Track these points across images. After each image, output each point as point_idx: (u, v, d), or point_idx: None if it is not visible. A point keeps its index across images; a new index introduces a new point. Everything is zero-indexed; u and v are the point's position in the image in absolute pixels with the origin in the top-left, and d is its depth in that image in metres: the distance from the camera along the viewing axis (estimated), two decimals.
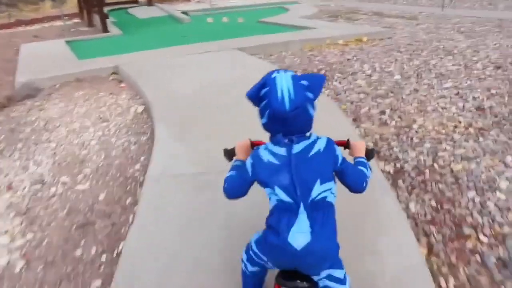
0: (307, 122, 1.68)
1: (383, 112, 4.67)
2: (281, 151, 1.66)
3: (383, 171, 3.43)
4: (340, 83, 5.77)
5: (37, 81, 6.16)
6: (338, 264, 1.75)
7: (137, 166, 3.83)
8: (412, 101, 4.95)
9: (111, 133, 4.51)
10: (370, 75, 6.07)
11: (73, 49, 8.68)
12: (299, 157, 1.65)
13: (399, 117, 4.52)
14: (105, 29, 10.96)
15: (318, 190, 1.64)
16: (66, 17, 16.61)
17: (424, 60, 6.77)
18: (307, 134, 1.71)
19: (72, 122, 4.85)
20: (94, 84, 6.13)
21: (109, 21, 12.24)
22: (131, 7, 15.10)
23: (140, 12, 13.83)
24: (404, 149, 3.82)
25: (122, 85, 5.99)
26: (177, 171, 3.38)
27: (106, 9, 14.40)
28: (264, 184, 1.70)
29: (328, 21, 11.27)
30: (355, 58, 7.02)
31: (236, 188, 1.82)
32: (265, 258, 1.75)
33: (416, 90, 5.34)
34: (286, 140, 1.65)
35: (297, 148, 1.66)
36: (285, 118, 1.60)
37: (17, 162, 4.15)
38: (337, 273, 1.73)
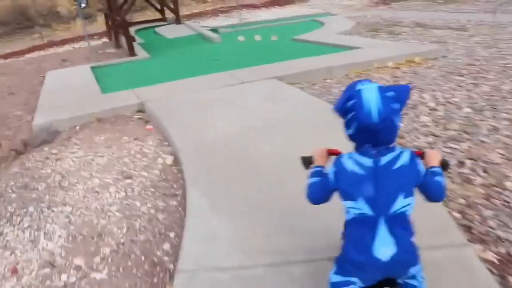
0: (394, 133, 1.71)
1: (461, 163, 3.83)
2: (367, 162, 1.69)
3: (483, 260, 2.59)
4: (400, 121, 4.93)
5: (56, 122, 5.54)
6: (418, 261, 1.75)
7: (166, 246, 3.11)
8: (495, 145, 4.09)
9: (135, 195, 3.81)
10: (435, 109, 5.22)
11: (98, 78, 8.14)
12: (385, 169, 1.67)
13: (485, 170, 3.68)
14: (132, 53, 10.41)
15: (400, 204, 1.66)
16: (94, 37, 16.34)
17: (494, 85, 5.87)
18: (391, 145, 1.73)
19: (91, 178, 4.18)
20: (117, 125, 5.47)
21: (136, 42, 11.71)
22: (159, 25, 14.53)
23: (168, 31, 13.25)
24: (504, 222, 2.97)
25: (148, 126, 5.30)
26: (215, 263, 2.65)
27: (133, 28, 13.95)
28: (346, 195, 1.72)
29: (370, 37, 10.42)
30: (411, 85, 6.16)
31: (319, 195, 1.85)
32: (353, 280, 1.71)
33: (495, 129, 4.47)
34: (374, 151, 1.67)
35: (383, 160, 1.68)
36: (373, 130, 1.61)
37: (26, 232, 3.51)
38: (416, 269, 1.75)
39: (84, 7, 9.45)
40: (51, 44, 18.57)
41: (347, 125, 1.70)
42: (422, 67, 7.20)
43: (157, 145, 4.74)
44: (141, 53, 10.51)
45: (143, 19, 19.52)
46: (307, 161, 2.04)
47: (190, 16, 18.82)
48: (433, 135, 4.48)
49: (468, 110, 5.09)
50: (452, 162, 3.87)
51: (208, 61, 8.99)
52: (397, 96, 1.65)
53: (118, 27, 11.82)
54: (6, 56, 16.96)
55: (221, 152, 4.13)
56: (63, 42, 18.88)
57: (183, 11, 19.92)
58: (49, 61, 12.83)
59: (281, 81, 6.40)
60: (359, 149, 1.72)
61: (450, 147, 4.18)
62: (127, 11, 13.46)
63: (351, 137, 1.73)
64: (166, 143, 4.74)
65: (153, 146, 4.71)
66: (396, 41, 9.37)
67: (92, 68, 9.38)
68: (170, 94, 6.12)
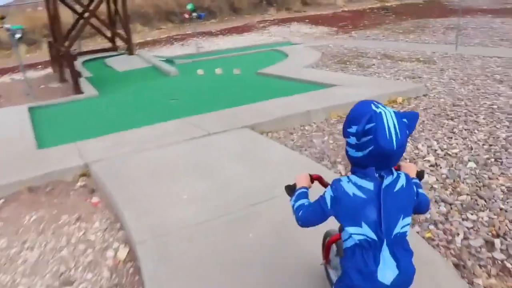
0: (400, 158, 1.68)
1: (490, 244, 3.05)
2: (369, 185, 1.66)
3: None
4: None
5: None
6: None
7: None
8: None
9: None
10: (436, 164, 4.47)
11: (36, 124, 7.02)
12: (387, 193, 1.65)
13: None
14: (77, 90, 9.28)
15: (400, 225, 1.69)
16: (37, 67, 15.02)
17: (489, 132, 5.25)
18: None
19: (15, 285, 3.09)
20: (55, 197, 4.36)
21: (83, 76, 10.59)
22: (110, 55, 13.42)
23: (120, 63, 12.16)
24: None
25: (94, 199, 4.22)
26: None
27: (81, 59, 12.79)
28: (348, 220, 1.69)
29: (339, 70, 9.77)
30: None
31: (313, 220, 1.84)
32: None
33: (510, 190, 3.76)
34: (376, 175, 1.65)
35: (385, 183, 1.66)
36: (389, 156, 1.59)
37: None
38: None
39: (19, 38, 8.31)
40: None
41: (359, 148, 1.63)
42: (406, 108, 6.52)
43: (106, 228, 3.69)
44: (88, 90, 9.40)
45: (92, 48, 18.31)
46: (291, 189, 2.01)
47: (143, 44, 17.78)
48: (445, 202, 3.71)
49: (473, 165, 4.41)
50: (478, 242, 3.12)
51: (166, 100, 8.01)
52: (409, 124, 1.64)
53: (63, 58, 10.67)
54: None
55: (191, 241, 3.17)
56: (2, 71, 17.35)
57: (136, 39, 18.86)
58: None
59: (253, 131, 5.50)
60: (359, 172, 1.69)
61: (468, 218, 3.43)
62: (73, 41, 12.31)
63: (358, 159, 1.67)
64: (118, 225, 3.70)
65: (101, 230, 3.66)
66: (370, 77, 8.74)
67: (30, 109, 8.22)
68: (121, 151, 5.07)
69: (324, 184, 2.07)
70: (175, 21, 25.45)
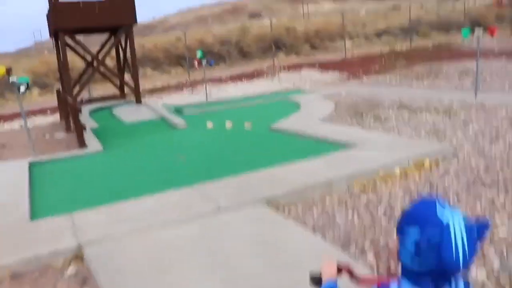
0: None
1: None
2: None
3: None
4: None
5: None
6: None
7: None
8: None
9: None
10: (483, 254, 3.78)
11: (34, 185, 6.48)
12: None
13: None
14: (81, 144, 8.77)
15: None
16: (46, 112, 14.61)
17: None
18: None
19: None
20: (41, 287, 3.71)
21: (89, 127, 10.11)
22: (117, 104, 13.01)
23: (127, 113, 11.71)
24: None
25: None
26: None
27: (88, 107, 12.38)
28: None
29: (356, 124, 9.20)
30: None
31: None
32: None
33: None
34: (433, 284, 1.41)
35: None
36: (452, 273, 1.38)
37: None
38: None
39: (23, 92, 7.89)
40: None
41: (417, 261, 1.38)
42: (435, 173, 5.88)
43: None
44: (92, 144, 8.88)
45: (102, 93, 18.04)
46: (317, 282, 1.76)
47: (152, 91, 17.45)
48: None
49: None
50: None
51: (173, 157, 7.43)
52: (478, 236, 1.35)
53: (67, 111, 10.25)
54: None
55: None
56: (12, 116, 17.00)
57: (145, 84, 18.59)
58: None
59: (269, 206, 4.85)
60: (412, 279, 1.41)
61: None
62: (81, 91, 11.97)
63: (412, 270, 1.40)
64: None
65: None
66: (390, 133, 8.14)
67: (31, 165, 7.72)
68: (119, 229, 4.43)
69: (354, 276, 1.77)
70: (184, 65, 25.31)
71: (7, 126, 15.02)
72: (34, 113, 16.24)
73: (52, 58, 20.69)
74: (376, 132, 8.27)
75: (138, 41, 26.90)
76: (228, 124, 9.86)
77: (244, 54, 27.22)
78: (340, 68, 20.25)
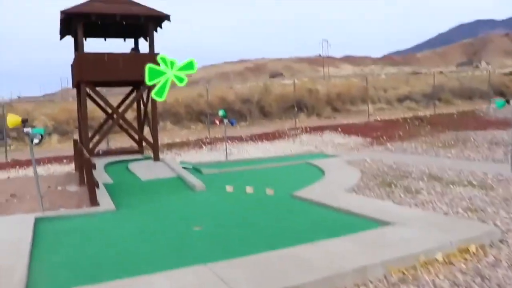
0: None
1: None
2: None
3: None
4: None
5: None
6: None
7: None
8: None
9: None
10: None
11: (34, 250, 5.89)
12: None
13: None
14: (93, 201, 8.27)
15: None
16: (63, 161, 14.31)
17: None
18: None
19: None
20: None
21: (102, 182, 9.64)
22: (134, 159, 12.60)
23: (144, 170, 11.25)
24: None
25: None
26: None
27: (104, 160, 11.98)
28: None
29: (386, 196, 8.57)
30: None
31: None
32: None
33: None
34: None
35: None
36: None
37: None
38: None
39: (37, 144, 7.52)
40: (15, 163, 16.54)
41: None
42: (484, 261, 5.18)
43: None
44: (105, 202, 8.37)
45: (119, 145, 17.78)
46: None
47: (171, 146, 17.13)
48: None
49: None
50: None
51: (188, 226, 6.84)
52: None
53: (81, 164, 9.85)
54: None
55: None
56: (29, 162, 16.72)
57: (164, 139, 18.34)
58: None
59: None
60: None
61: None
62: (97, 144, 11.62)
63: None
64: None
65: None
66: (424, 209, 7.47)
67: (37, 221, 7.23)
68: None
69: None
70: (205, 122, 25.19)
71: (22, 172, 14.70)
72: (50, 160, 16.00)
73: (74, 106, 20.71)
74: (408, 207, 7.62)
75: None
76: (249, 190, 9.30)
77: (265, 113, 27.10)
78: (363, 132, 19.81)
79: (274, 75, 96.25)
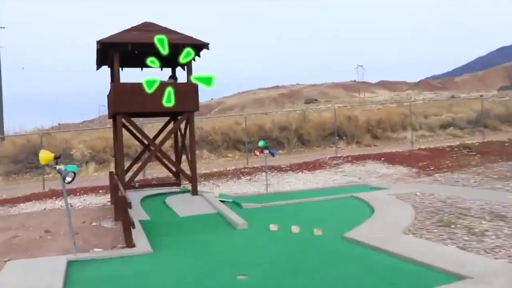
0: None
1: None
2: None
3: None
4: None
5: None
6: None
7: None
8: None
9: None
10: None
11: None
12: None
13: None
14: (128, 243, 7.72)
15: None
16: (99, 191, 13.99)
17: None
18: None
19: None
20: None
21: (139, 220, 9.10)
22: (171, 192, 12.09)
23: (181, 205, 10.66)
24: None
25: None
26: None
27: (140, 194, 11.50)
28: None
29: (446, 236, 7.70)
30: None
31: None
32: None
33: None
34: None
35: None
36: None
37: None
38: None
39: (70, 181, 7.07)
40: (52, 194, 16.36)
41: None
42: None
43: None
44: (141, 243, 7.79)
45: (156, 175, 17.39)
46: None
47: (209, 176, 16.60)
48: None
49: None
50: None
51: (231, 275, 6.13)
52: None
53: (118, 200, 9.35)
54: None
55: None
56: (68, 192, 16.48)
57: (201, 168, 17.84)
58: (31, 227, 10.25)
59: None
60: None
61: None
62: (134, 178, 11.17)
63: None
64: None
65: None
66: (500, 261, 6.55)
67: (69, 265, 6.73)
68: None
69: None
70: (242, 149, 24.70)
71: (59, 203, 14.37)
72: (86, 191, 15.70)
73: (111, 134, 20.56)
74: (478, 255, 6.72)
75: (196, 123, 26.94)
76: (295, 229, 8.56)
77: (303, 141, 26.38)
78: (408, 162, 18.80)
79: (309, 101, 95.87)
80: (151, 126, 22.50)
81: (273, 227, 8.80)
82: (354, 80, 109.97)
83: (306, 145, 26.36)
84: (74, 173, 7.09)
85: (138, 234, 8.24)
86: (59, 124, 63.72)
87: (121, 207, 7.69)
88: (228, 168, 18.19)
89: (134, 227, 7.97)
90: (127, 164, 12.15)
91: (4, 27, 38.97)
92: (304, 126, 26.98)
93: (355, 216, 9.60)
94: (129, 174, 11.69)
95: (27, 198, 15.17)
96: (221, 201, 11.23)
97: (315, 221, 9.34)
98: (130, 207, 7.86)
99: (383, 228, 8.44)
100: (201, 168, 18.16)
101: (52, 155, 7.29)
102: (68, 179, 7.04)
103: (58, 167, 7.18)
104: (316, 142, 26.54)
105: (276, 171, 17.02)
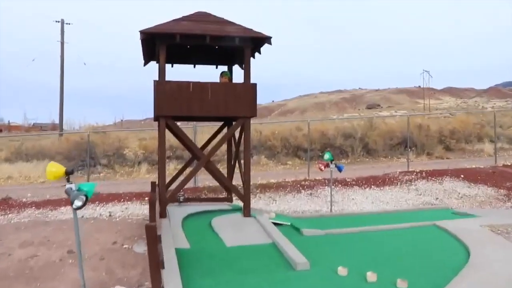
0: None
1: None
2: None
3: None
4: None
5: None
6: None
7: None
8: None
9: None
10: None
11: None
12: None
13: None
14: (155, 285, 5.79)
15: None
16: (144, 199, 12.47)
17: None
18: None
19: None
20: None
21: (173, 251, 7.19)
22: (220, 210, 10.13)
23: (230, 229, 8.63)
24: None
25: None
26: None
27: (183, 212, 9.66)
28: None
29: None
30: None
31: None
32: None
33: None
34: None
35: None
36: None
37: None
38: None
39: (79, 207, 5.21)
40: (96, 197, 14.91)
41: None
42: None
43: None
44: (172, 285, 5.87)
45: (207, 184, 15.54)
46: None
47: (265, 188, 14.54)
48: None
49: None
50: None
51: None
52: None
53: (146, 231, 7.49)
54: (40, 205, 13.30)
55: None
56: (110, 198, 14.97)
57: (257, 177, 15.86)
58: (56, 244, 8.67)
59: None
60: None
61: None
62: (176, 193, 9.37)
63: None
64: None
65: None
66: None
67: None
68: None
69: None
70: (303, 157, 22.56)
71: (100, 210, 12.75)
72: (131, 197, 14.09)
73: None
74: None
75: (255, 126, 25.17)
76: (371, 277, 6.33)
77: (369, 151, 23.82)
78: (492, 181, 15.87)
79: (371, 106, 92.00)
80: (206, 130, 20.95)
81: (342, 270, 6.62)
82: (419, 86, 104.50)
83: (371, 154, 23.80)
84: (87, 197, 5.25)
85: (170, 271, 6.32)
86: (122, 120, 63.77)
87: (148, 240, 5.80)
88: (287, 179, 16.05)
89: (163, 267, 6.05)
90: (179, 166, 10.23)
91: (69, 23, 38.44)
92: (370, 134, 24.41)
93: (446, 259, 7.34)
94: (180, 179, 9.89)
95: (68, 201, 13.77)
96: (277, 223, 9.19)
97: (394, 264, 7.14)
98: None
99: (495, 285, 6.06)
100: (257, 177, 16.17)
101: (63, 169, 5.56)
102: (77, 203, 5.24)
103: (67, 185, 5.41)
104: (383, 152, 23.90)
105: (340, 186, 14.71)
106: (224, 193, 11.95)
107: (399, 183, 15.48)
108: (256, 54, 9.91)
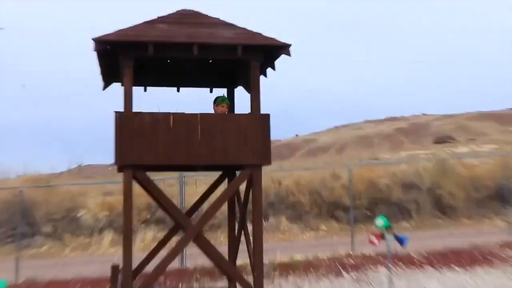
0: None
1: None
2: None
3: None
4: None
5: None
6: None
7: None
8: None
9: None
10: None
11: None
12: None
13: None
14: None
15: None
16: None
17: None
18: None
19: None
20: None
21: None
22: None
23: None
24: None
25: None
26: None
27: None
28: None
29: None
30: None
31: None
32: None
33: None
34: None
35: None
36: None
37: None
38: None
39: None
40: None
41: None
42: None
43: None
44: None
45: (200, 265, 15.33)
46: None
47: (287, 269, 14.28)
48: None
49: None
50: None
51: None
52: None
53: None
54: None
55: None
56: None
57: (275, 251, 15.71)
58: None
59: None
60: None
61: None
62: (152, 281, 8.99)
63: None
64: None
65: None
66: None
67: None
68: None
69: None
70: (342, 220, 22.50)
71: None
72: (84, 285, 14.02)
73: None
74: None
75: (272, 175, 25.04)
76: None
77: (442, 208, 23.72)
78: None
79: (442, 139, 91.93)
80: (201, 178, 21.06)
81: None
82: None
83: (447, 214, 23.67)
84: None
85: None
86: (80, 166, 63.81)
87: None
88: (320, 255, 15.90)
89: None
90: (160, 236, 9.72)
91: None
92: (444, 182, 24.29)
93: None
94: (162, 254, 9.55)
95: None
96: None
97: None
98: None
99: None
100: (276, 251, 16.06)
101: None
102: None
103: None
104: (466, 210, 23.71)
105: (402, 264, 14.40)
106: (224, 280, 11.66)
107: (498, 261, 14.95)
108: (269, 70, 9.73)
